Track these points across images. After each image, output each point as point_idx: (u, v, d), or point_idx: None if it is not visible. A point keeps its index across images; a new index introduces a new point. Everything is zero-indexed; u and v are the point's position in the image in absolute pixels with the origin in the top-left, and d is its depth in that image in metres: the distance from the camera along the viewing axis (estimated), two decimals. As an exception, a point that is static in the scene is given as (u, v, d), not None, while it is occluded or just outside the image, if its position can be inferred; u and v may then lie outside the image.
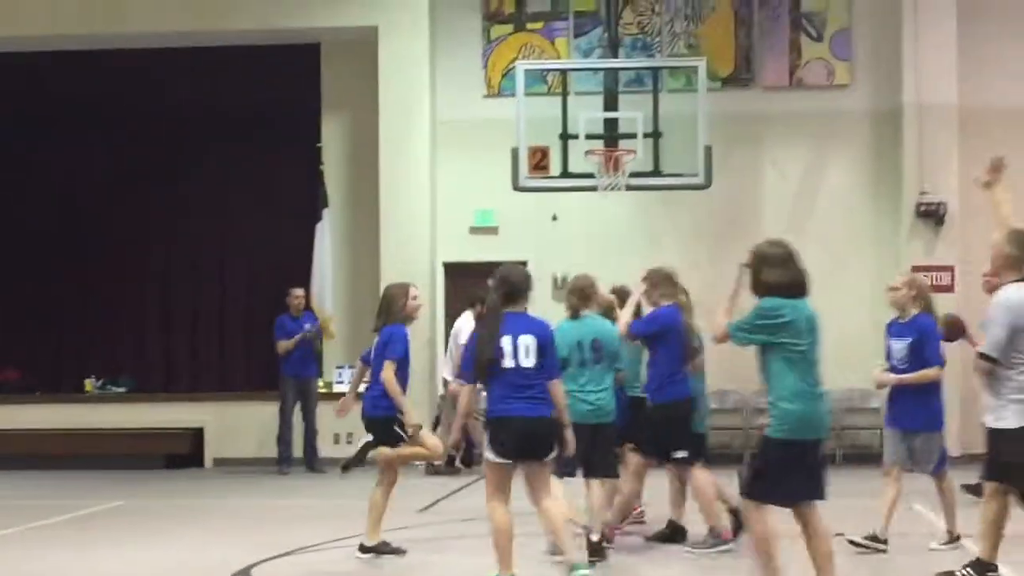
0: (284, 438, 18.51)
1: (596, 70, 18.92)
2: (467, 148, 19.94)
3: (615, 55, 18.91)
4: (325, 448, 18.51)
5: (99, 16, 19.86)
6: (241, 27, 19.97)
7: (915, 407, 10.72)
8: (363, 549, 10.78)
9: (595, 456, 10.37)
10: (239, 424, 19.73)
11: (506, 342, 8.81)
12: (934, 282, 18.61)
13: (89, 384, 20.68)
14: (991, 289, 10.42)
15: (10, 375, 20.96)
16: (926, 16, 19.23)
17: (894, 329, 10.92)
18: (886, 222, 19.47)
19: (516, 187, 17.86)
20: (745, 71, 19.95)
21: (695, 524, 11.17)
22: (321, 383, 19.16)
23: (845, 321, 17.68)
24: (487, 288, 9.66)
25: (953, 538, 10.83)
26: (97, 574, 10.52)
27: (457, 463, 17.27)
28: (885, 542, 10.58)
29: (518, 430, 8.76)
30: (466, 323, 16.96)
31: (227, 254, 21.32)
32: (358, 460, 11.03)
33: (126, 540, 12.24)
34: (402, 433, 10.68)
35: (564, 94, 18.05)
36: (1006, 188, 10.18)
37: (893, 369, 10.88)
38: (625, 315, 11.28)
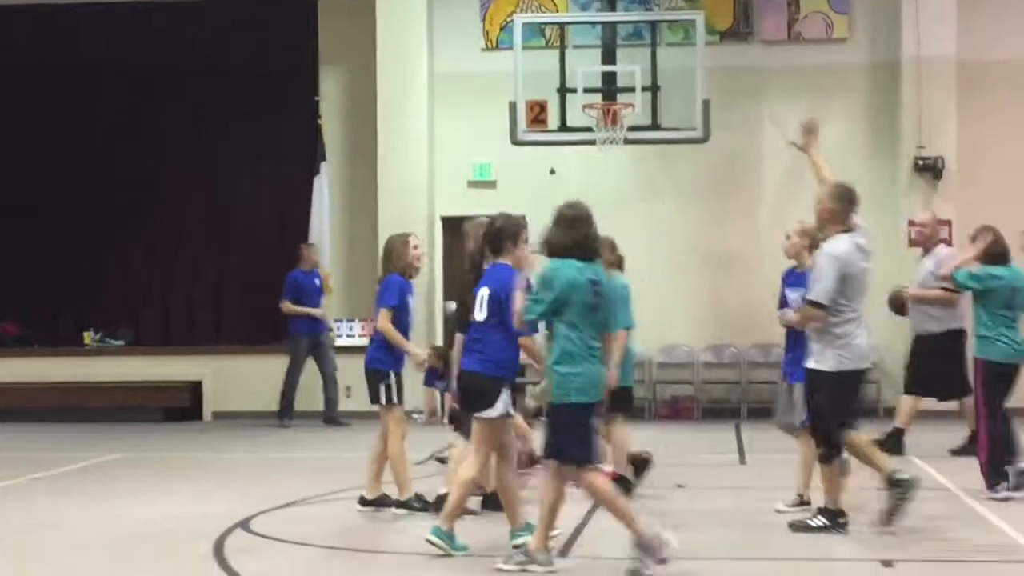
0: (289, 393, 18.52)
1: (594, 23, 18.86)
2: (465, 102, 19.92)
3: (613, 8, 18.82)
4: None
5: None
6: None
7: (796, 359, 10.39)
8: (363, 502, 10.84)
9: None
10: (238, 378, 19.78)
11: (481, 294, 8.90)
12: (931, 236, 18.64)
13: (88, 337, 20.71)
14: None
15: (8, 329, 21.01)
16: (925, -31, 19.18)
17: (791, 279, 10.83)
18: (884, 176, 19.44)
19: (514, 141, 17.86)
20: (743, 25, 19.87)
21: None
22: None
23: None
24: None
25: (803, 501, 10.50)
26: (96, 525, 10.55)
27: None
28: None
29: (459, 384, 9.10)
30: None
31: (226, 207, 21.29)
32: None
33: (126, 492, 12.30)
34: (388, 395, 10.68)
35: (562, 48, 18.03)
36: (819, 151, 10.66)
37: None
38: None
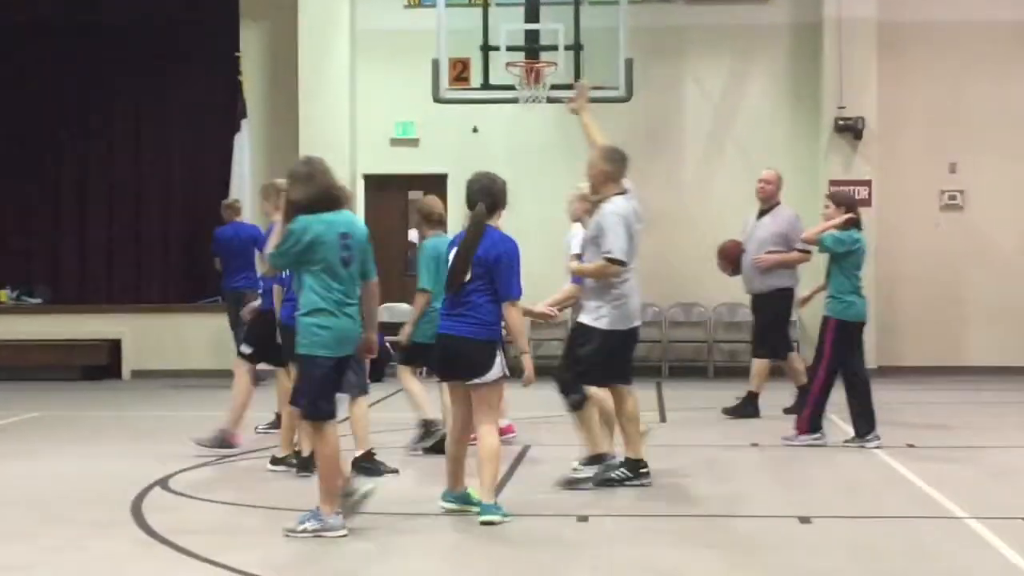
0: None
1: (518, -19, 18.79)
2: (388, 59, 19.80)
3: (536, -34, 18.76)
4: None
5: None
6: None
7: None
8: (273, 461, 10.86)
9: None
10: (157, 336, 19.65)
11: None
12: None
13: (4, 295, 20.51)
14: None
15: (-76, 285, 20.74)
16: (846, -70, 19.27)
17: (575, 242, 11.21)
18: (805, 136, 19.56)
19: (436, 99, 17.79)
20: (667, -16, 19.88)
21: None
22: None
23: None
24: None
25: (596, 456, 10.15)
26: (14, 485, 10.46)
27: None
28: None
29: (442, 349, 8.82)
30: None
31: (144, 164, 21.08)
32: None
33: (44, 451, 12.19)
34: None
35: (485, 5, 17.94)
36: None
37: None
38: None
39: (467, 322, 8.56)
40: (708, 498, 9.63)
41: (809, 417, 11.96)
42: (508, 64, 17.34)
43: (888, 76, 19.34)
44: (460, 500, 8.82)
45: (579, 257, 10.42)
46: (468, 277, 8.54)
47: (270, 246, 8.51)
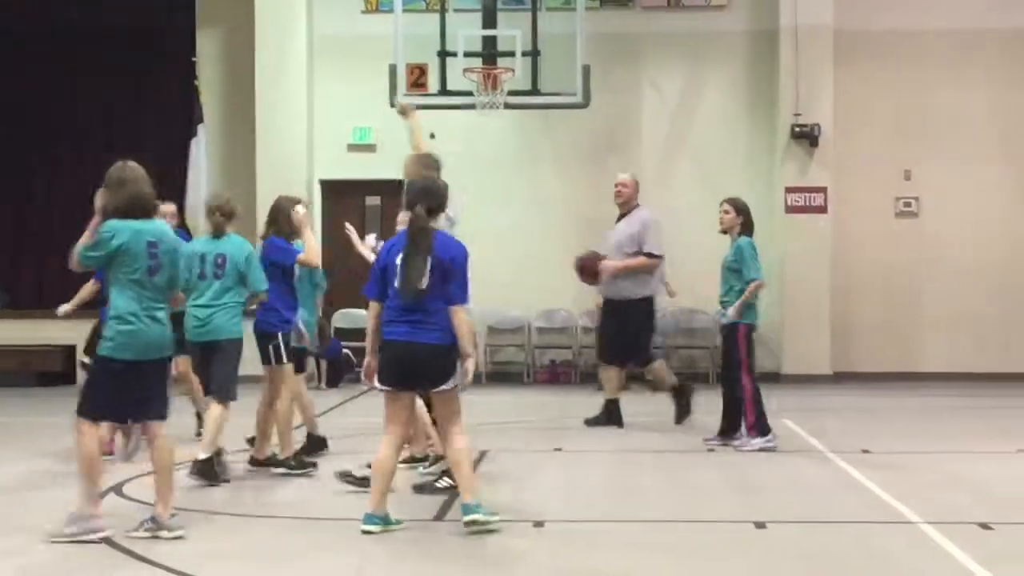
0: None
1: (475, -13, 18.81)
2: (345, 65, 19.80)
3: (494, -28, 18.79)
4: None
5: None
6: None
7: None
8: (253, 463, 10.95)
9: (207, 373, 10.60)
10: (113, 342, 19.50)
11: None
12: (808, 203, 18.95)
13: (-40, 301, 20.36)
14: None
15: None
16: (802, -62, 19.37)
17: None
18: (761, 143, 19.67)
19: (394, 105, 17.75)
20: (624, -10, 19.95)
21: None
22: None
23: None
24: None
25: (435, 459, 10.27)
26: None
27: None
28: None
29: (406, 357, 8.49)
30: None
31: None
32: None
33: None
34: (276, 354, 10.74)
35: (443, 11, 17.98)
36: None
37: None
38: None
39: (428, 328, 8.36)
40: (663, 503, 9.65)
41: (755, 422, 12.06)
42: (466, 70, 17.38)
43: (844, 83, 19.46)
44: (385, 521, 8.48)
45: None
46: (424, 284, 8.32)
47: (80, 243, 8.50)
